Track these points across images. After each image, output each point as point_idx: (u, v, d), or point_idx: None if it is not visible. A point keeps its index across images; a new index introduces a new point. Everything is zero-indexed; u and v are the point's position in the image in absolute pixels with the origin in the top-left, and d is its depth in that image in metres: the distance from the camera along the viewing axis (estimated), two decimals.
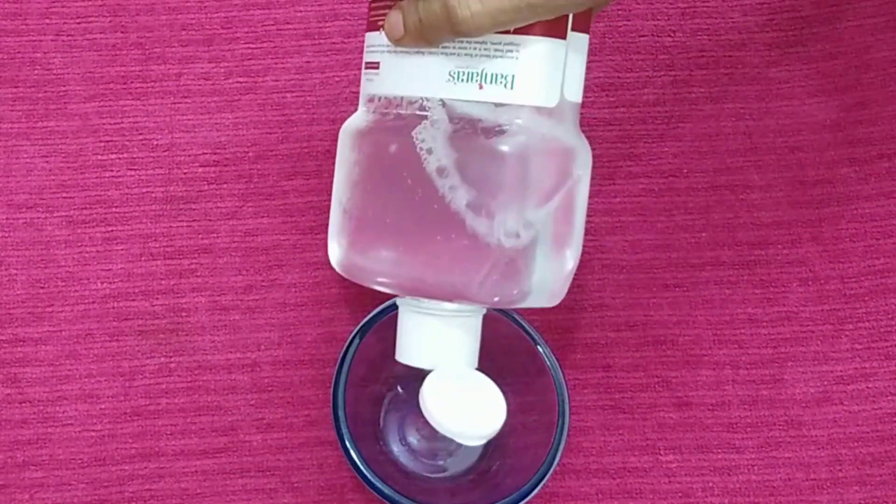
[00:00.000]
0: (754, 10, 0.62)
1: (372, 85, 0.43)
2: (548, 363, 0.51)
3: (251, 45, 0.61)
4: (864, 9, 0.61)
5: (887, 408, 0.56)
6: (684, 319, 0.57)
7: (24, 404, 0.56)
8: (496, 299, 0.42)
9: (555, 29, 0.40)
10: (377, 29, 0.42)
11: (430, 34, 0.40)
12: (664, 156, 0.60)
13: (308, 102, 0.60)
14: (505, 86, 0.40)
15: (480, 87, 0.40)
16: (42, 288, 0.58)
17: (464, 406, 0.45)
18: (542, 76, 0.40)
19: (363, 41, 0.62)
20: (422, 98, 0.41)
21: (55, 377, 0.56)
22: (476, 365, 0.47)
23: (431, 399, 0.44)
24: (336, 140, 0.60)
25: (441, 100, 0.41)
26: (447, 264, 0.42)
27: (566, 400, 0.51)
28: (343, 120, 0.60)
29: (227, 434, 0.56)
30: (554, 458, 0.50)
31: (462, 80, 0.40)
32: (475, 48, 0.40)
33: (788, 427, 0.56)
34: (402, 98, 0.42)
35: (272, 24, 0.62)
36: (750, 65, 0.61)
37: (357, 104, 0.47)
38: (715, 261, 0.58)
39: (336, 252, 0.47)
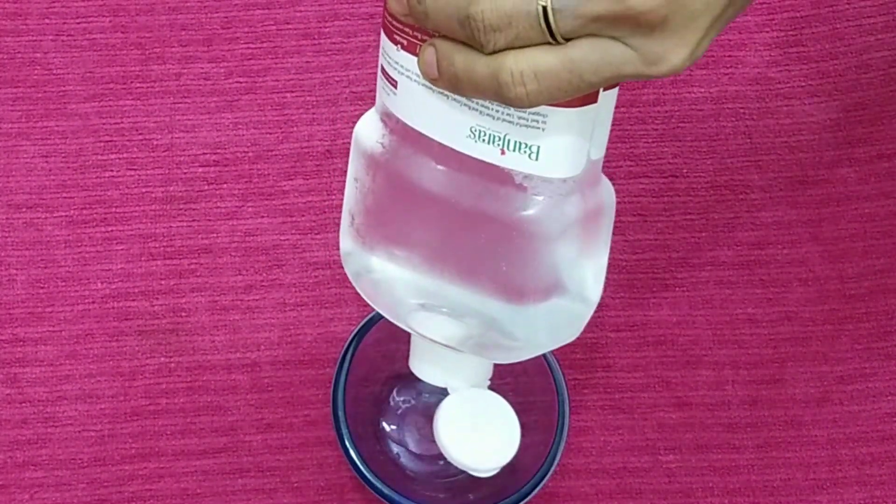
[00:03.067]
0: (754, 9, 0.62)
1: (389, 101, 0.40)
2: (548, 363, 0.51)
3: (251, 45, 0.61)
4: (864, 9, 0.61)
5: (887, 408, 0.56)
6: (684, 319, 0.57)
7: (24, 404, 0.56)
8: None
9: (587, 96, 0.37)
10: (396, 43, 0.39)
11: (467, 93, 0.37)
12: (664, 156, 0.60)
13: (308, 102, 0.60)
14: (529, 156, 0.37)
15: (503, 152, 0.38)
16: (42, 288, 0.58)
17: (478, 438, 0.45)
18: (569, 149, 0.38)
19: (363, 41, 0.62)
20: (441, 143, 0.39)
21: (55, 377, 0.56)
22: (490, 379, 0.46)
23: (446, 433, 0.44)
24: (336, 140, 0.60)
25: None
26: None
27: (566, 400, 0.51)
28: (343, 120, 0.60)
29: (227, 434, 0.56)
30: (554, 458, 0.50)
31: (483, 140, 0.38)
32: (498, 110, 0.37)
33: (788, 427, 0.56)
34: (419, 133, 0.40)
35: (272, 24, 0.62)
36: (750, 65, 0.61)
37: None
38: (715, 261, 0.58)
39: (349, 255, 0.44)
